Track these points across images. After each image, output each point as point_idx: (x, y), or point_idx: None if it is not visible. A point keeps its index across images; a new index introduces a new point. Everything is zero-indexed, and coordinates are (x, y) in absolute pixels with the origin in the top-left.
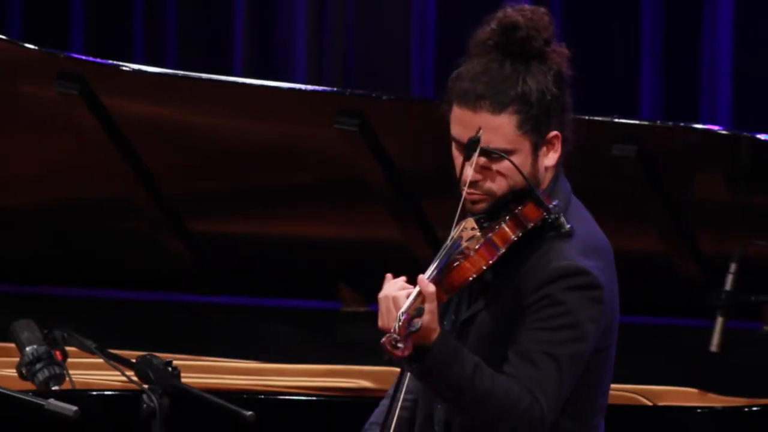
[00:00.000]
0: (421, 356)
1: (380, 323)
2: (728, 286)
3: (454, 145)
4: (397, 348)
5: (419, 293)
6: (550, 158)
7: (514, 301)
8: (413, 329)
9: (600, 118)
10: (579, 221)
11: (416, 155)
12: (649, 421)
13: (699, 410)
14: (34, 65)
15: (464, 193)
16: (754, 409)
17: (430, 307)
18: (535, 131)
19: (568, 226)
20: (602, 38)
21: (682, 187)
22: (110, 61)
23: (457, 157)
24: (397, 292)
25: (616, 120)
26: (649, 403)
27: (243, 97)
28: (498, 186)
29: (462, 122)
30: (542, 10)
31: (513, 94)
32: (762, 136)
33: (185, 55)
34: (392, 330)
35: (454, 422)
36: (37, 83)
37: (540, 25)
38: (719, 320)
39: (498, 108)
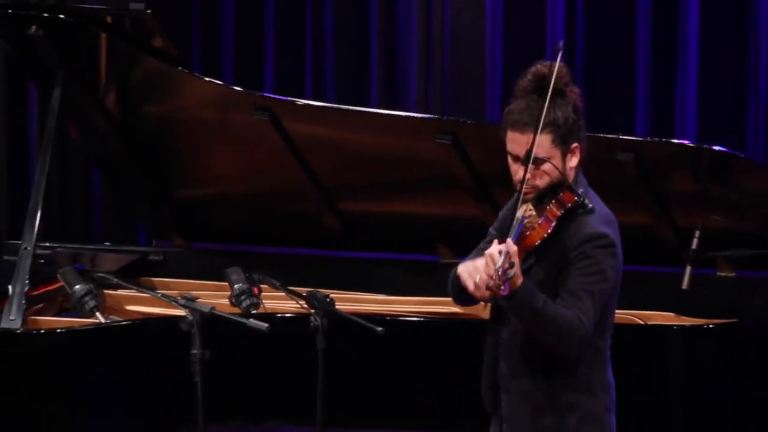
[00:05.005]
0: (513, 295)
1: (483, 272)
2: (694, 246)
3: (509, 157)
4: (501, 289)
5: (507, 252)
6: (573, 162)
7: (559, 257)
8: (508, 276)
9: (609, 135)
10: (596, 202)
11: (489, 160)
12: (641, 334)
13: (675, 327)
14: (239, 101)
15: (521, 187)
16: (711, 326)
17: (516, 261)
18: (563, 144)
19: (590, 205)
20: (609, 76)
21: (664, 181)
22: (288, 98)
23: (512, 164)
24: (494, 252)
25: (620, 137)
26: (642, 322)
27: (376, 121)
28: (541, 182)
29: (514, 141)
30: (561, 63)
31: (547, 120)
32: (716, 148)
33: (340, 89)
34: (494, 278)
35: (514, 342)
36: (241, 113)
37: (560, 73)
38: (688, 268)
39: (539, 131)
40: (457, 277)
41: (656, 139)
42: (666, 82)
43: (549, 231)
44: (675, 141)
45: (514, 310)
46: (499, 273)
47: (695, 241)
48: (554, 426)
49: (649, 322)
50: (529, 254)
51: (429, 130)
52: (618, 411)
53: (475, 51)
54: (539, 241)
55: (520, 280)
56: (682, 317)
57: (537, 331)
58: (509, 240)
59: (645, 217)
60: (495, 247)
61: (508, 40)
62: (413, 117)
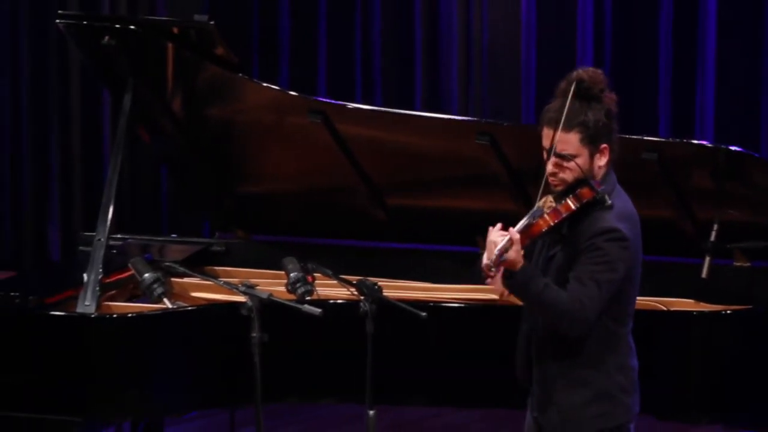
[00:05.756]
0: (511, 276)
1: (485, 255)
2: (712, 238)
3: (543, 152)
4: (492, 271)
5: (509, 238)
6: (602, 161)
7: (575, 247)
8: (502, 260)
9: (635, 137)
10: (619, 199)
11: (524, 159)
12: (664, 319)
13: (695, 313)
14: (295, 104)
15: (547, 179)
16: (727, 312)
17: (516, 247)
18: (591, 144)
19: (609, 202)
20: (635, 83)
21: (685, 178)
22: (340, 102)
23: (545, 158)
24: (496, 237)
25: (645, 138)
26: (664, 308)
27: (420, 123)
28: (568, 176)
29: (547, 137)
30: (599, 70)
31: (577, 121)
32: (733, 148)
33: (387, 94)
34: (490, 260)
35: (541, 322)
36: (297, 115)
37: (597, 79)
38: (707, 259)
39: (568, 129)
40: None
41: (677, 140)
42: (686, 88)
43: (555, 221)
44: (695, 142)
45: (514, 291)
46: (496, 254)
47: (713, 234)
48: (567, 400)
49: (671, 308)
50: (554, 243)
51: (469, 132)
52: (640, 388)
53: (511, 58)
54: (545, 230)
55: (519, 264)
56: (701, 303)
57: (538, 311)
58: (513, 228)
59: (667, 212)
60: (494, 236)
61: (541, 49)
62: (454, 119)
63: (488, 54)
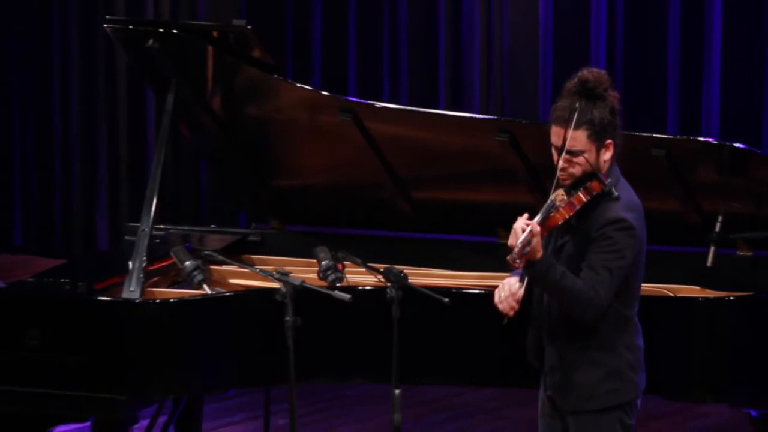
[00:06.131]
0: (531, 266)
1: (509, 242)
2: (717, 228)
3: (552, 148)
4: (516, 262)
5: (530, 231)
6: (606, 156)
7: (586, 237)
8: (525, 251)
9: (644, 134)
10: (624, 191)
11: (541, 155)
12: (670, 305)
13: (700, 299)
14: (326, 103)
15: (557, 174)
16: (731, 298)
17: (536, 239)
18: (598, 140)
19: (616, 194)
20: (644, 84)
21: (691, 173)
22: (369, 101)
23: (554, 154)
24: (520, 225)
25: (654, 135)
26: (671, 294)
27: (444, 121)
28: (577, 170)
29: (556, 134)
30: (604, 71)
31: (585, 119)
32: (736, 144)
33: (412, 93)
34: (514, 252)
35: (554, 306)
36: (328, 114)
37: (601, 79)
38: (712, 248)
39: (576, 127)
40: None
41: (685, 137)
42: (693, 88)
43: (571, 214)
44: (701, 139)
45: (533, 279)
46: (519, 247)
47: (718, 225)
48: (582, 379)
49: (678, 294)
50: (563, 232)
51: (489, 129)
52: (648, 370)
53: (529, 60)
54: (561, 222)
55: (539, 254)
56: (706, 290)
57: (555, 297)
58: (533, 221)
59: (675, 204)
60: (519, 224)
61: (558, 51)
62: (475, 118)
63: (508, 56)
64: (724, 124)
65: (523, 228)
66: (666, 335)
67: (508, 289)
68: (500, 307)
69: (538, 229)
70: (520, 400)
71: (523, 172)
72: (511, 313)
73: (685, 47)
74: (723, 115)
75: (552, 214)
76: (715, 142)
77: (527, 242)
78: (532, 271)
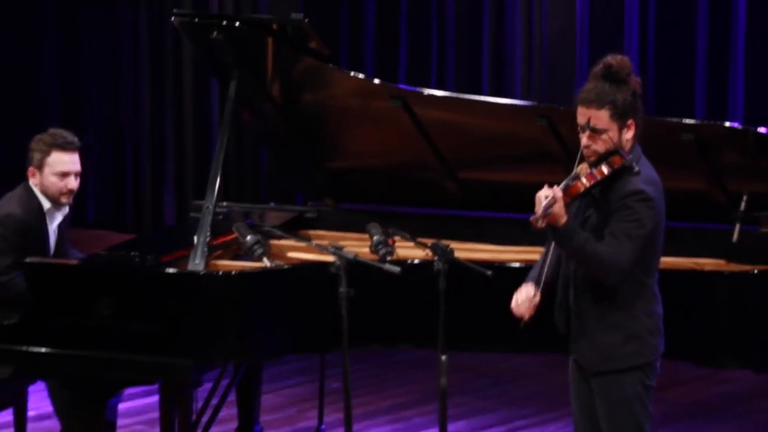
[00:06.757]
0: (554, 230)
1: (535, 209)
2: (742, 207)
3: (579, 127)
4: (538, 222)
5: (552, 195)
6: (628, 134)
7: (608, 208)
8: (547, 213)
9: (676, 119)
10: (644, 167)
11: (578, 138)
12: (699, 278)
13: (725, 272)
14: (378, 91)
15: (581, 150)
16: (756, 272)
17: (558, 204)
18: (620, 120)
19: (637, 168)
20: (675, 73)
21: (718, 156)
22: (417, 88)
23: (580, 133)
24: (542, 195)
25: (684, 121)
26: (699, 268)
27: (487, 107)
28: (600, 147)
29: (582, 114)
30: (627, 58)
31: (608, 100)
32: (760, 129)
33: (458, 81)
34: (537, 213)
35: (579, 274)
36: (379, 100)
37: (624, 65)
38: (737, 225)
39: (600, 107)
40: None
41: (712, 122)
42: (720, 77)
43: (591, 183)
44: (727, 124)
45: (560, 242)
46: (542, 209)
47: (743, 204)
48: (604, 341)
49: (705, 268)
50: (587, 206)
51: (530, 115)
52: (672, 338)
53: (566, 50)
54: (582, 190)
55: (563, 220)
56: (732, 264)
57: (579, 262)
58: (556, 187)
59: (703, 184)
60: (543, 191)
61: (593, 42)
62: (517, 104)
63: (547, 46)
64: (749, 110)
65: (547, 195)
66: (694, 306)
67: (525, 294)
68: (516, 311)
69: (560, 194)
70: (563, 365)
71: (560, 153)
72: (526, 317)
73: (713, 39)
74: (747, 102)
75: (574, 183)
76: (740, 127)
77: (549, 205)
78: (555, 235)
